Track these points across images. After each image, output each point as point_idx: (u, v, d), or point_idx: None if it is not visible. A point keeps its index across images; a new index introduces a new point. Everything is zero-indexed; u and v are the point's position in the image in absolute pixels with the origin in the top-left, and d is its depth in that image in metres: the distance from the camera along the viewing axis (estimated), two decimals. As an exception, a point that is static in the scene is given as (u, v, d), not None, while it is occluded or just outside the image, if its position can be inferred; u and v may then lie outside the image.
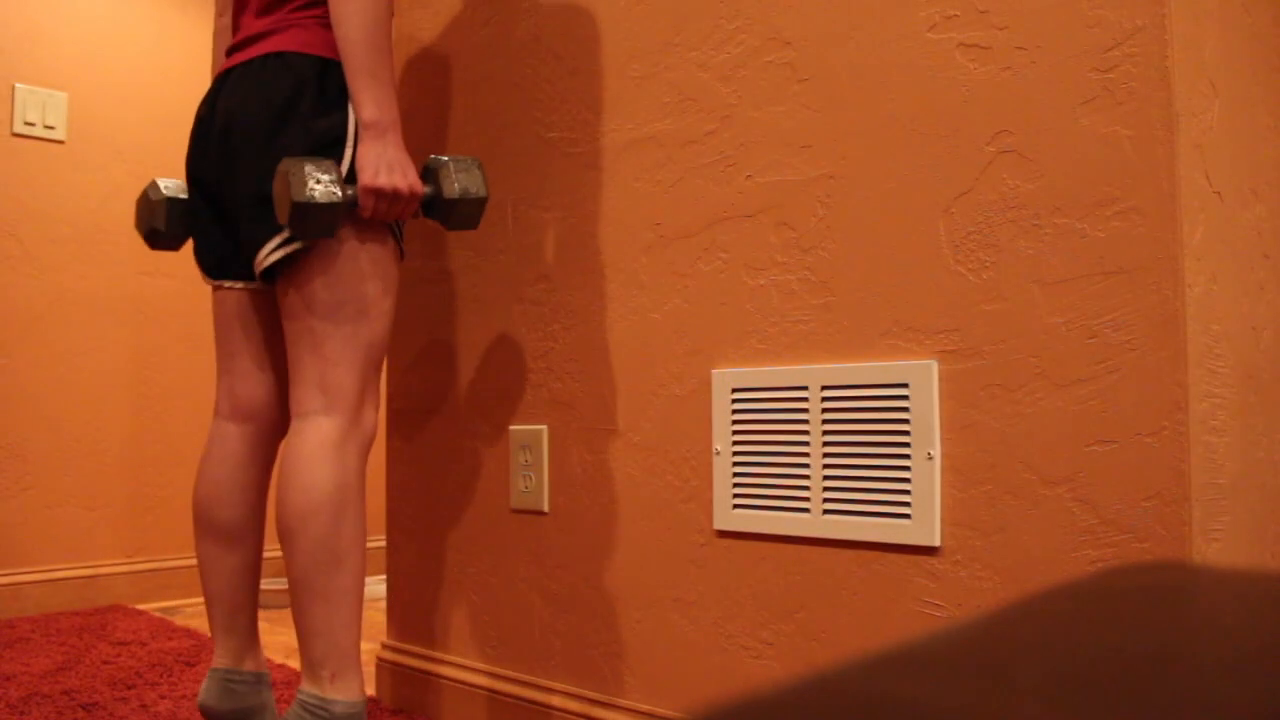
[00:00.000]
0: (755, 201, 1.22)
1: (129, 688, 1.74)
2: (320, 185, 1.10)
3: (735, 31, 1.25)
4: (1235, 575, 0.42)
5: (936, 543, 1.04)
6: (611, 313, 1.38)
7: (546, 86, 1.48)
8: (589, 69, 1.42)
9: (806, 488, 1.15)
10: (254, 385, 1.32)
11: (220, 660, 1.29)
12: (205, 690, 1.27)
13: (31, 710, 1.59)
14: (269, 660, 1.94)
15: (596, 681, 1.37)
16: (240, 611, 1.30)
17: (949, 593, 1.03)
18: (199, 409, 2.74)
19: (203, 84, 2.79)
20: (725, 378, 1.23)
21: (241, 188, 1.21)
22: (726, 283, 1.24)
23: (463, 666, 1.56)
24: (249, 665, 1.30)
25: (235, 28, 1.31)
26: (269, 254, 1.19)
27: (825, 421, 1.14)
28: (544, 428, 1.46)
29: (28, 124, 2.45)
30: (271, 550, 2.81)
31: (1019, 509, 0.99)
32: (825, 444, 1.13)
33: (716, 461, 1.24)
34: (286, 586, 2.56)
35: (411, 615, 1.67)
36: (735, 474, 1.22)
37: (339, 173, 1.13)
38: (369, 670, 1.90)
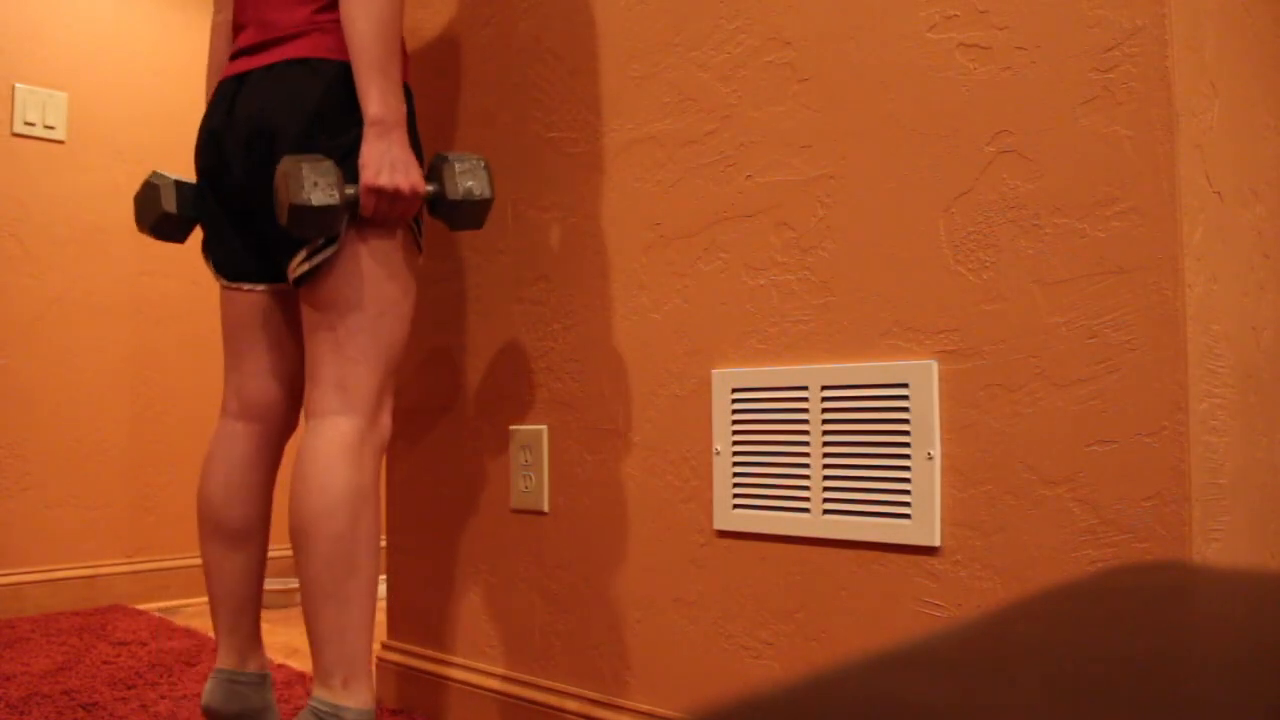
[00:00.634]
0: (755, 201, 1.22)
1: (129, 688, 1.74)
2: (317, 187, 1.09)
3: (735, 31, 1.25)
4: (1235, 575, 0.42)
5: (936, 543, 1.04)
6: (611, 313, 1.38)
7: (546, 86, 1.48)
8: (589, 69, 1.42)
9: (806, 488, 1.15)
10: (263, 385, 1.32)
11: (224, 661, 1.28)
12: (209, 692, 1.27)
13: (31, 710, 1.59)
14: (269, 660, 1.94)
15: (596, 681, 1.37)
16: (244, 612, 1.30)
17: (949, 593, 1.03)
18: (199, 409, 2.74)
19: (203, 83, 2.79)
20: (725, 378, 1.23)
21: (268, 199, 1.20)
22: (726, 283, 1.24)
23: (463, 666, 1.56)
24: (252, 666, 1.30)
25: (239, 26, 1.28)
26: (301, 263, 1.18)
27: (825, 421, 1.14)
28: (544, 428, 1.46)
29: (28, 124, 2.45)
30: (275, 550, 2.81)
31: (1019, 509, 0.99)
32: (825, 444, 1.13)
33: (716, 461, 1.24)
34: (288, 586, 2.56)
35: (412, 615, 1.67)
36: (735, 474, 1.22)
37: (338, 173, 1.11)
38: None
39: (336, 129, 1.17)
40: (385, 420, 1.22)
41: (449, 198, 1.20)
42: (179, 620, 2.38)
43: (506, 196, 1.54)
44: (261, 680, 1.30)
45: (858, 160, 1.12)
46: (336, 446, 1.16)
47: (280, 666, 1.89)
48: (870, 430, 1.10)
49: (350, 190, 1.14)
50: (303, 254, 1.18)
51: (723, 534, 1.23)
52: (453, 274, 1.62)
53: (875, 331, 1.10)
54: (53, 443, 2.47)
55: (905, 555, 1.07)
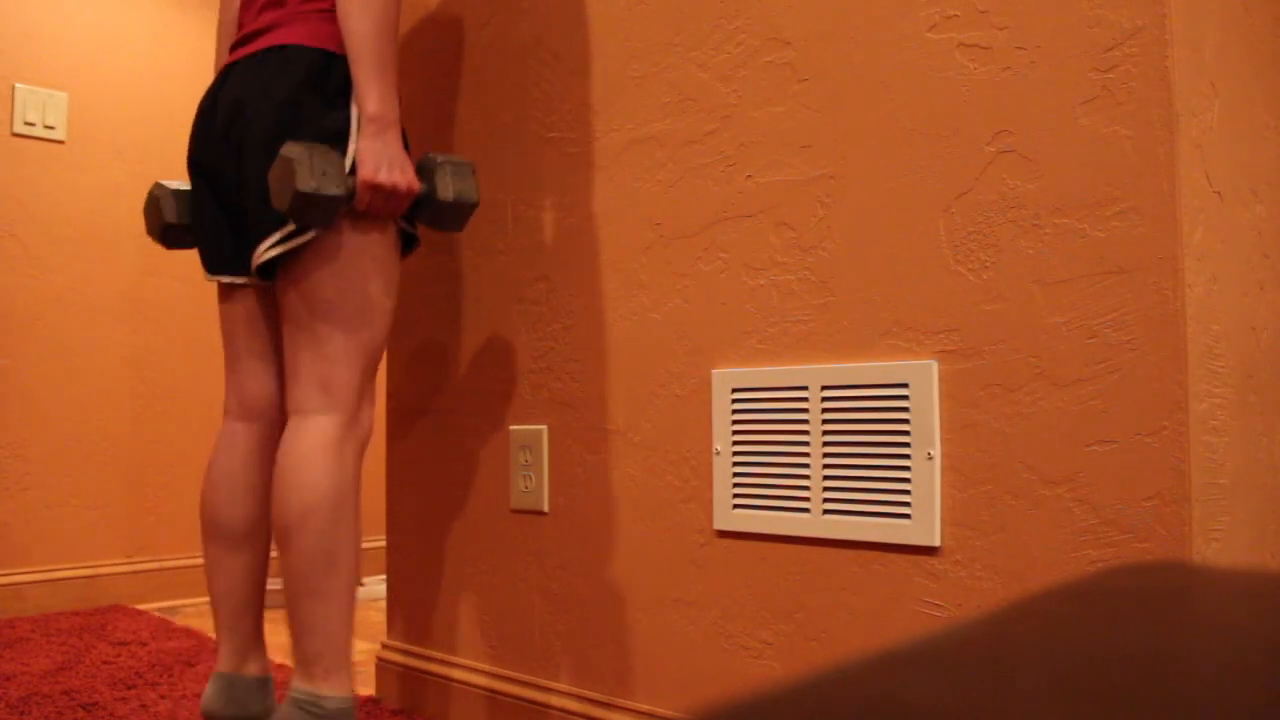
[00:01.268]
0: (755, 201, 1.22)
1: (129, 688, 1.74)
2: (325, 176, 1.10)
3: (735, 31, 1.25)
4: (1235, 575, 0.42)
5: (936, 543, 1.04)
6: (611, 313, 1.38)
7: (546, 86, 1.48)
8: (589, 69, 1.42)
9: (806, 488, 1.15)
10: (262, 384, 1.32)
11: (224, 664, 1.28)
12: (208, 696, 1.27)
13: (31, 710, 1.59)
14: (270, 661, 1.94)
15: (596, 681, 1.37)
16: (245, 613, 1.30)
17: (949, 593, 1.03)
18: (199, 409, 2.74)
19: (203, 84, 2.79)
20: (725, 378, 1.23)
21: (244, 183, 1.20)
22: (726, 283, 1.24)
23: (463, 666, 1.56)
24: (252, 669, 1.30)
25: (240, 23, 1.30)
26: (266, 249, 1.18)
27: (825, 421, 1.14)
28: (544, 428, 1.46)
29: (28, 124, 2.45)
30: (276, 551, 2.81)
31: (1019, 509, 0.99)
32: (825, 444, 1.13)
33: (716, 461, 1.24)
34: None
35: (412, 615, 1.67)
36: (735, 474, 1.22)
37: (341, 163, 1.13)
38: (369, 670, 1.90)
39: (312, 119, 1.18)
40: (366, 417, 1.22)
41: (439, 198, 1.22)
42: (179, 620, 2.38)
43: (506, 196, 1.54)
44: (262, 684, 1.30)
45: (858, 160, 1.12)
46: (318, 445, 1.17)
47: (281, 666, 1.89)
48: (870, 430, 1.10)
49: (350, 182, 1.15)
50: (275, 237, 1.17)
51: (723, 534, 1.23)
52: (452, 274, 1.62)
53: (875, 331, 1.10)
54: (53, 443, 2.47)
55: (905, 555, 1.07)
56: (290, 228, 1.17)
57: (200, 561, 2.71)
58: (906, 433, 1.07)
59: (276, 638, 2.19)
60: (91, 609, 2.46)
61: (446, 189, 1.22)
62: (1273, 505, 1.11)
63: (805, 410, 1.15)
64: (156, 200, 1.34)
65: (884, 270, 1.10)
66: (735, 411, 1.22)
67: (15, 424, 2.41)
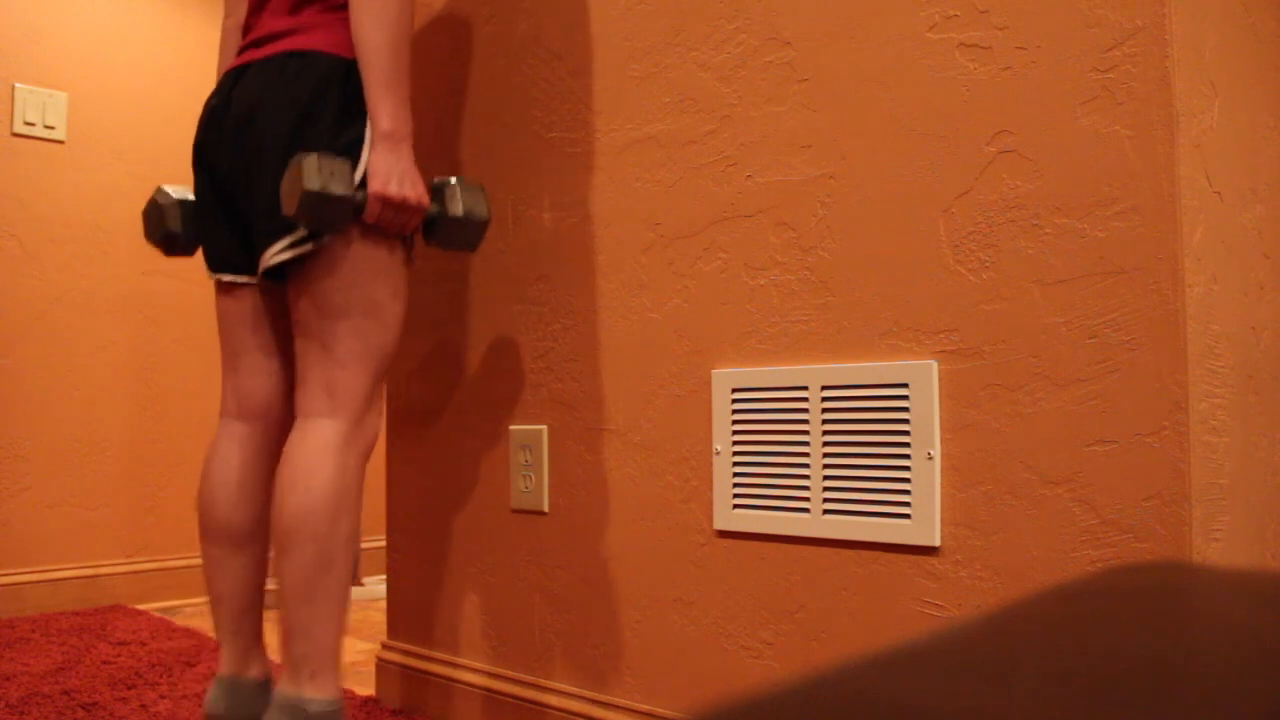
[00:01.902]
0: (755, 201, 1.22)
1: (129, 688, 1.74)
2: (333, 177, 1.11)
3: (735, 31, 1.25)
4: (1235, 575, 0.42)
5: (936, 543, 1.04)
6: (611, 313, 1.38)
7: (546, 86, 1.48)
8: (589, 69, 1.42)
9: (806, 488, 1.15)
10: (260, 384, 1.32)
11: (226, 667, 1.28)
12: (212, 698, 1.27)
13: (31, 710, 1.59)
14: (272, 661, 1.94)
15: (596, 681, 1.37)
16: (246, 615, 1.29)
17: (949, 593, 1.03)
18: (199, 409, 2.74)
19: (203, 84, 2.79)
20: (725, 378, 1.23)
21: (258, 185, 1.20)
22: (726, 283, 1.24)
23: (463, 666, 1.56)
24: (254, 672, 1.29)
25: (249, 27, 1.29)
26: (277, 253, 1.18)
27: (825, 421, 1.14)
28: (544, 428, 1.46)
29: (28, 124, 2.45)
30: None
31: (1019, 509, 0.99)
32: (825, 444, 1.13)
33: (716, 461, 1.24)
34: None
35: (411, 615, 1.67)
36: (735, 474, 1.22)
37: (350, 170, 1.13)
38: (369, 670, 1.90)
39: (331, 130, 1.18)
40: (373, 423, 1.23)
41: (450, 215, 1.24)
42: (179, 620, 2.38)
43: (506, 196, 1.54)
44: (264, 687, 1.30)
45: (858, 160, 1.12)
46: (322, 448, 1.17)
47: (280, 666, 1.89)
48: (870, 430, 1.10)
49: (361, 192, 1.15)
50: (285, 241, 1.18)
51: (723, 534, 1.23)
52: (453, 274, 1.62)
53: (875, 331, 1.10)
54: (53, 443, 2.47)
55: (905, 555, 1.07)
56: (301, 233, 1.17)
57: (200, 562, 2.71)
58: (906, 433, 1.07)
59: (277, 637, 2.19)
60: (91, 609, 2.46)
61: (457, 205, 1.24)
62: (1273, 505, 1.11)
63: (805, 410, 1.15)
64: (160, 208, 1.34)
65: (884, 270, 1.10)
66: (735, 411, 1.22)
67: (15, 424, 2.41)
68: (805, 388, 1.16)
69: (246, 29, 1.31)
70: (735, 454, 1.22)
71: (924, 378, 1.05)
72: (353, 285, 1.19)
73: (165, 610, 2.54)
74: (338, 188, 1.11)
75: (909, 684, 0.27)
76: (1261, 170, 1.13)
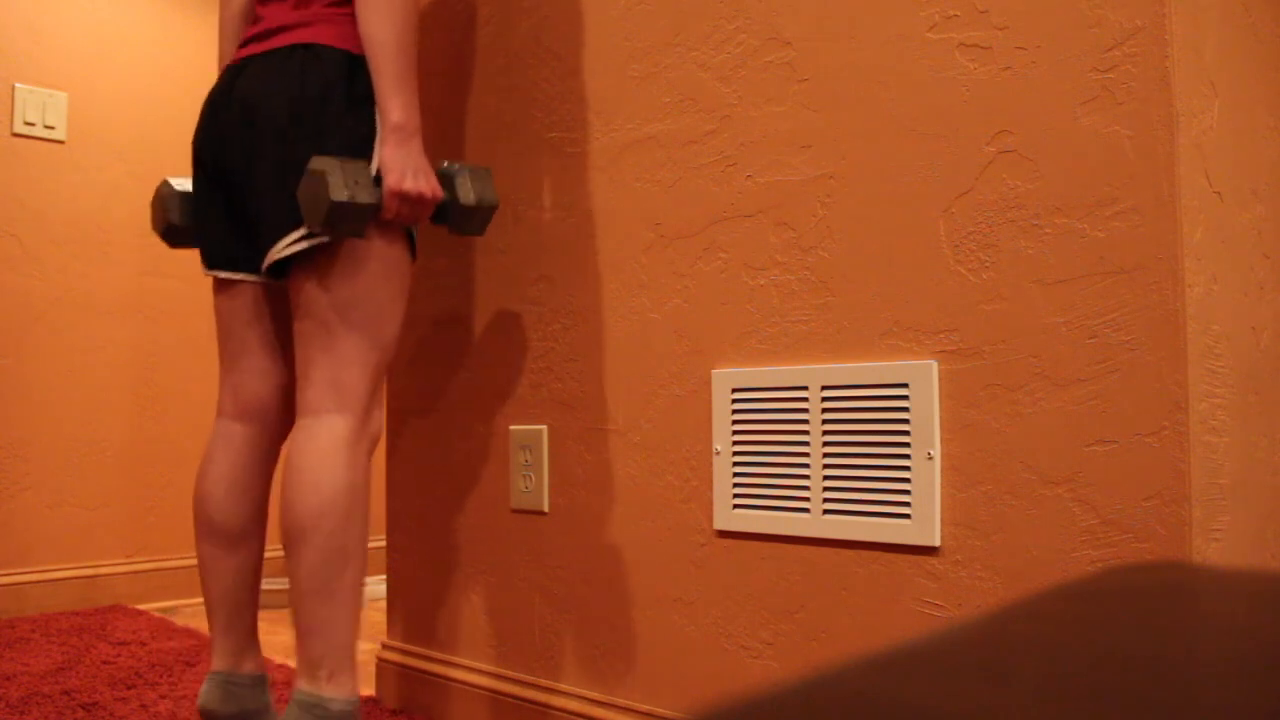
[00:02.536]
0: (755, 201, 1.22)
1: (129, 688, 1.74)
2: (359, 186, 1.12)
3: (735, 31, 1.25)
4: (1235, 575, 0.42)
5: (936, 543, 1.04)
6: (611, 313, 1.38)
7: (546, 86, 1.48)
8: (589, 69, 1.42)
9: (806, 488, 1.15)
10: (258, 383, 1.31)
11: (219, 663, 1.28)
12: (205, 693, 1.27)
13: (31, 710, 1.59)
14: (269, 660, 1.94)
15: (596, 681, 1.37)
16: (240, 614, 1.29)
17: (949, 593, 1.03)
18: (199, 409, 2.74)
19: (203, 83, 2.79)
20: (725, 378, 1.23)
21: (260, 179, 1.19)
22: (726, 283, 1.24)
23: (463, 666, 1.56)
24: (248, 667, 1.30)
25: (256, 18, 1.29)
26: (286, 247, 1.18)
27: (825, 421, 1.14)
28: (544, 428, 1.46)
29: (28, 124, 2.45)
30: (273, 550, 2.81)
31: (1019, 509, 0.99)
32: (825, 444, 1.13)
33: (716, 461, 1.24)
34: (286, 586, 2.56)
35: (412, 615, 1.67)
36: (735, 474, 1.22)
37: (370, 174, 1.14)
38: (369, 670, 1.90)
39: (336, 121, 1.18)
40: (377, 419, 1.23)
41: (462, 203, 1.25)
42: (179, 620, 2.38)
43: (506, 196, 1.54)
44: (258, 682, 1.30)
45: (858, 160, 1.12)
46: (332, 446, 1.16)
47: (280, 666, 1.89)
48: (870, 430, 1.10)
49: (378, 192, 1.17)
50: (293, 236, 1.17)
51: (723, 534, 1.23)
52: (453, 274, 1.62)
53: (875, 331, 1.10)
54: (53, 443, 2.47)
55: (905, 555, 1.07)
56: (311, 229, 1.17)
57: (200, 561, 2.71)
58: (906, 433, 1.07)
59: (276, 638, 2.19)
60: (91, 609, 2.46)
61: (468, 193, 1.25)
62: (1273, 505, 1.11)
63: (805, 410, 1.15)
64: (163, 199, 1.35)
65: (884, 270, 1.10)
66: (735, 411, 1.22)
67: (15, 424, 2.41)
68: (805, 388, 1.16)
69: (253, 20, 1.30)
70: (735, 454, 1.22)
71: (924, 378, 1.05)
72: (360, 282, 1.19)
73: (165, 610, 2.54)
74: (364, 196, 1.12)
75: (909, 684, 0.27)
76: (1261, 170, 1.13)
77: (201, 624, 2.33)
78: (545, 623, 1.45)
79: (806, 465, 1.15)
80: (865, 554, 1.10)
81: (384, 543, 2.97)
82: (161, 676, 1.81)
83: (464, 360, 1.59)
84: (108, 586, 2.53)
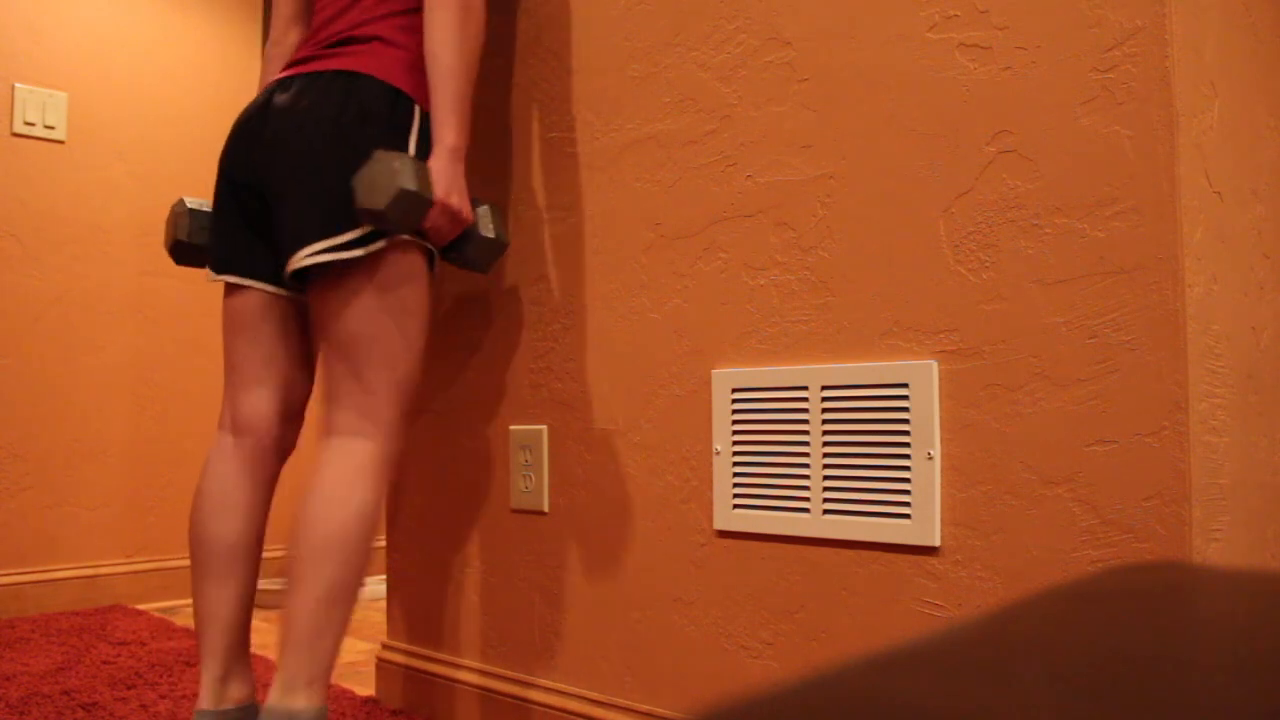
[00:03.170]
0: (755, 201, 1.22)
1: (129, 688, 1.74)
2: (424, 179, 1.15)
3: (735, 31, 1.25)
4: (1235, 575, 0.42)
5: (936, 543, 1.04)
6: (611, 313, 1.38)
7: (546, 86, 1.48)
8: (589, 69, 1.42)
9: (806, 488, 1.15)
10: (256, 397, 1.29)
11: (205, 700, 1.22)
12: None
13: (31, 710, 1.59)
14: (266, 660, 1.94)
15: (596, 681, 1.37)
16: (230, 635, 1.25)
17: (949, 593, 1.03)
18: (200, 409, 2.74)
19: (203, 84, 2.79)
20: (725, 378, 1.23)
21: (291, 188, 1.19)
22: (726, 283, 1.25)
23: (463, 666, 1.56)
24: (234, 695, 1.24)
25: (302, 45, 1.32)
26: (311, 255, 1.17)
27: (825, 421, 1.14)
28: (544, 428, 1.46)
29: (28, 124, 2.45)
30: (270, 550, 2.81)
31: (1019, 509, 0.99)
32: (825, 444, 1.13)
33: (716, 461, 1.24)
34: (283, 587, 2.56)
35: (411, 615, 1.67)
36: (735, 474, 1.22)
37: (430, 179, 1.17)
38: (369, 670, 1.90)
39: (373, 139, 1.19)
40: (400, 441, 1.24)
41: (481, 234, 1.29)
42: (179, 620, 2.38)
43: (506, 197, 1.54)
44: (246, 712, 1.25)
45: (858, 160, 1.12)
46: (359, 468, 1.17)
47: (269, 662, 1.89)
48: (870, 430, 1.10)
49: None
50: (323, 244, 1.16)
51: (723, 534, 1.23)
52: (453, 274, 1.62)
53: (875, 331, 1.10)
54: (53, 443, 2.47)
55: (905, 555, 1.07)
56: (343, 238, 1.16)
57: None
58: (906, 433, 1.07)
59: (272, 637, 2.19)
60: (91, 609, 2.46)
61: (489, 227, 1.29)
62: (1273, 505, 1.11)
63: (805, 410, 1.15)
64: (175, 216, 1.38)
65: (884, 270, 1.10)
66: (735, 411, 1.22)
67: (15, 424, 2.41)
68: (805, 388, 1.16)
69: (300, 47, 1.33)
70: (735, 454, 1.22)
71: (924, 378, 1.05)
72: (391, 301, 1.20)
73: (165, 610, 2.54)
74: (428, 192, 1.15)
75: (909, 684, 0.27)
76: (1261, 170, 1.13)
77: (201, 624, 2.33)
78: (545, 622, 1.45)
79: (806, 465, 1.15)
80: (865, 554, 1.10)
81: (384, 543, 2.95)
82: (161, 676, 1.81)
83: (464, 360, 1.59)
84: (108, 586, 2.53)
